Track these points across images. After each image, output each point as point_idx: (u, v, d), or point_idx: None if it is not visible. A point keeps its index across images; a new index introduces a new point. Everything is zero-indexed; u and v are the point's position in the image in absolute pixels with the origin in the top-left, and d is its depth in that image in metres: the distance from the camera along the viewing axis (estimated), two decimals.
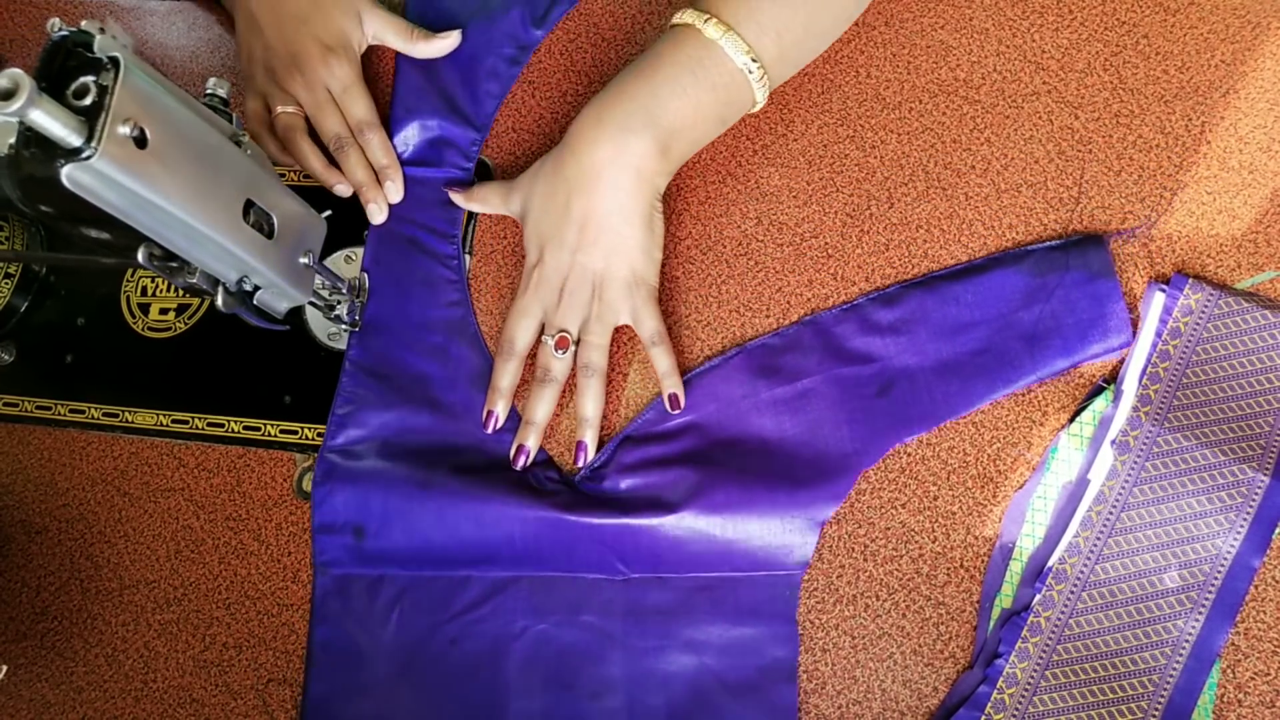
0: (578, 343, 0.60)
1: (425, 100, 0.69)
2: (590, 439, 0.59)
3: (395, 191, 0.67)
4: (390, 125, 0.69)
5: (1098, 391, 0.57)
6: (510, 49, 0.70)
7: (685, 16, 0.56)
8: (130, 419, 0.66)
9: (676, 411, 0.59)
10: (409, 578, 0.59)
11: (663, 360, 0.59)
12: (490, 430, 0.60)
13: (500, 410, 0.60)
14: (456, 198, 0.66)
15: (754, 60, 0.55)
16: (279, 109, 0.67)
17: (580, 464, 0.59)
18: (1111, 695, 0.52)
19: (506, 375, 0.60)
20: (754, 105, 0.58)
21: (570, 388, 0.61)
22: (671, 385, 0.59)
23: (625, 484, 0.58)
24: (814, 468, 0.57)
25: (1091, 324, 0.57)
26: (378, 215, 0.66)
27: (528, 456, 0.60)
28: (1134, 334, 0.57)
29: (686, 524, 0.56)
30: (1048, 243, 0.60)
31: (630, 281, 0.59)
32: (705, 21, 0.55)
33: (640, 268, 0.59)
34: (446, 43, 0.69)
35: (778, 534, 0.56)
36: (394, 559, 0.59)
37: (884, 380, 0.58)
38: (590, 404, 0.59)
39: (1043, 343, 0.57)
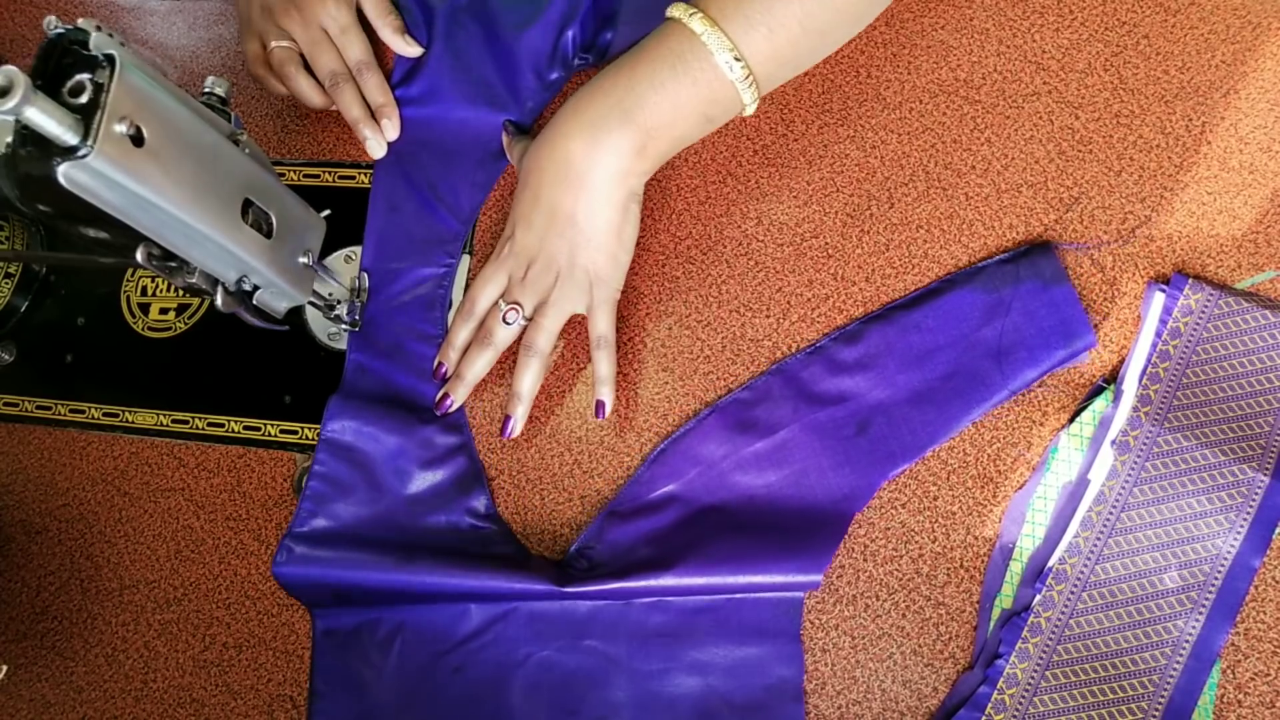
0: (529, 320, 0.59)
1: (408, 197, 0.68)
2: (519, 415, 0.59)
3: (392, 129, 0.67)
4: (368, 223, 0.67)
5: (1098, 391, 0.57)
6: (497, 141, 0.68)
7: (674, 10, 0.54)
8: (130, 419, 0.66)
9: (600, 418, 0.59)
10: (408, 611, 0.59)
11: (603, 365, 0.59)
12: (437, 379, 0.61)
13: (450, 363, 0.61)
14: (506, 139, 0.65)
15: (737, 59, 0.52)
16: (273, 44, 0.67)
17: (505, 436, 0.59)
18: (1112, 695, 0.52)
19: (462, 333, 0.61)
20: (743, 108, 0.55)
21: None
22: (604, 393, 0.59)
23: (617, 560, 0.57)
24: (807, 518, 0.57)
25: (1053, 331, 0.57)
26: (376, 149, 0.67)
27: (450, 407, 0.61)
28: (1135, 334, 0.57)
29: (686, 579, 0.55)
30: (997, 257, 0.60)
31: (590, 280, 0.58)
32: (690, 15, 0.52)
33: (603, 269, 0.58)
34: (411, 50, 0.69)
35: (779, 581, 0.55)
36: (385, 607, 0.59)
37: (860, 418, 0.58)
38: (526, 381, 0.59)
39: (1010, 356, 0.57)
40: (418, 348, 0.64)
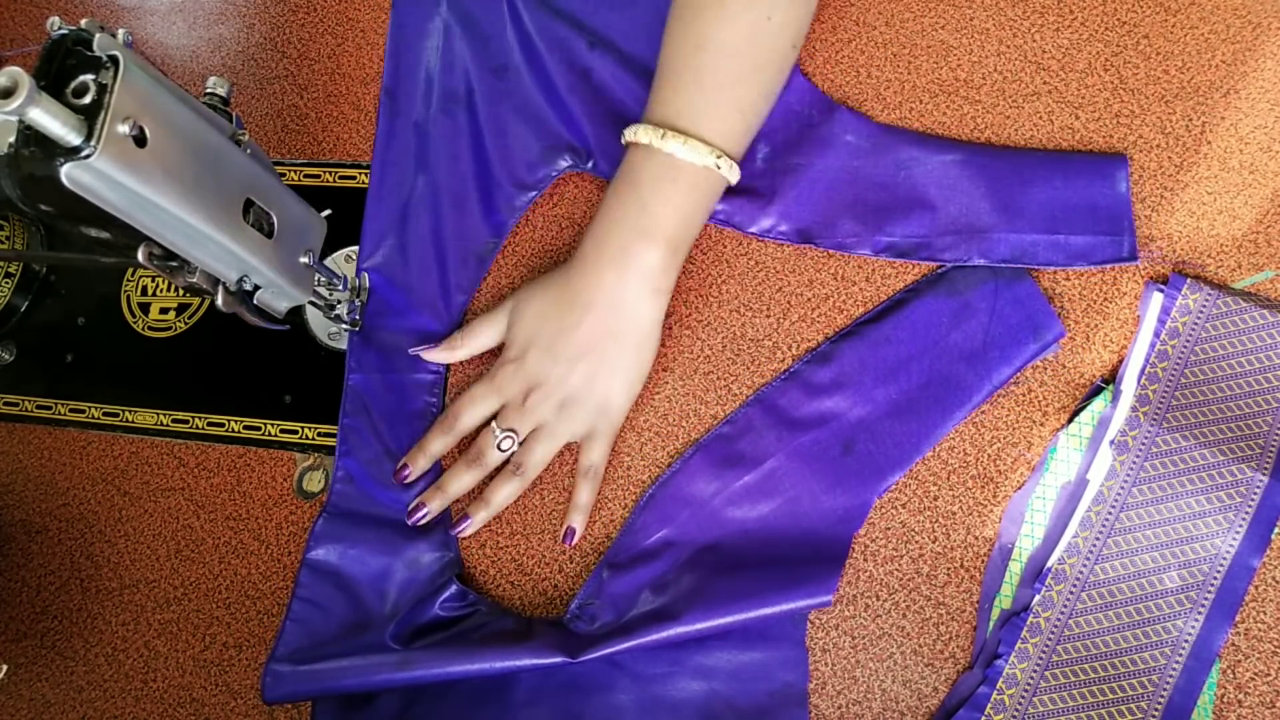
0: (522, 445, 0.59)
1: (391, 301, 0.65)
2: (479, 519, 0.59)
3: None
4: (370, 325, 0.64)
5: (1096, 392, 0.57)
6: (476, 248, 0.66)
7: (640, 135, 0.55)
8: (130, 418, 0.66)
9: (567, 544, 0.58)
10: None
11: (585, 494, 0.58)
12: (402, 480, 0.60)
13: (417, 469, 0.60)
14: (438, 354, 0.62)
15: (718, 156, 0.55)
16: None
17: (455, 533, 0.59)
18: (1111, 695, 0.52)
19: (436, 444, 0.60)
20: (729, 178, 0.57)
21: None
22: (576, 520, 0.58)
23: (620, 615, 0.56)
24: (806, 546, 0.56)
25: (1021, 327, 0.58)
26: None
27: (424, 518, 0.59)
28: (1133, 334, 0.57)
29: (696, 625, 0.54)
30: (955, 261, 0.60)
31: (600, 409, 0.58)
32: (663, 138, 0.54)
33: (616, 399, 0.58)
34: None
35: (789, 609, 0.54)
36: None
37: (844, 438, 0.58)
38: (501, 495, 0.59)
39: (983, 357, 0.58)
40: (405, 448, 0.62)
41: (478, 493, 0.60)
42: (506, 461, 0.59)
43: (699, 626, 0.54)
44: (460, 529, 0.59)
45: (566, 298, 0.57)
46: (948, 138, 0.62)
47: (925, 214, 0.60)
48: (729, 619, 0.54)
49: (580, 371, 0.57)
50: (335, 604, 0.59)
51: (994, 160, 0.61)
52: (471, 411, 0.59)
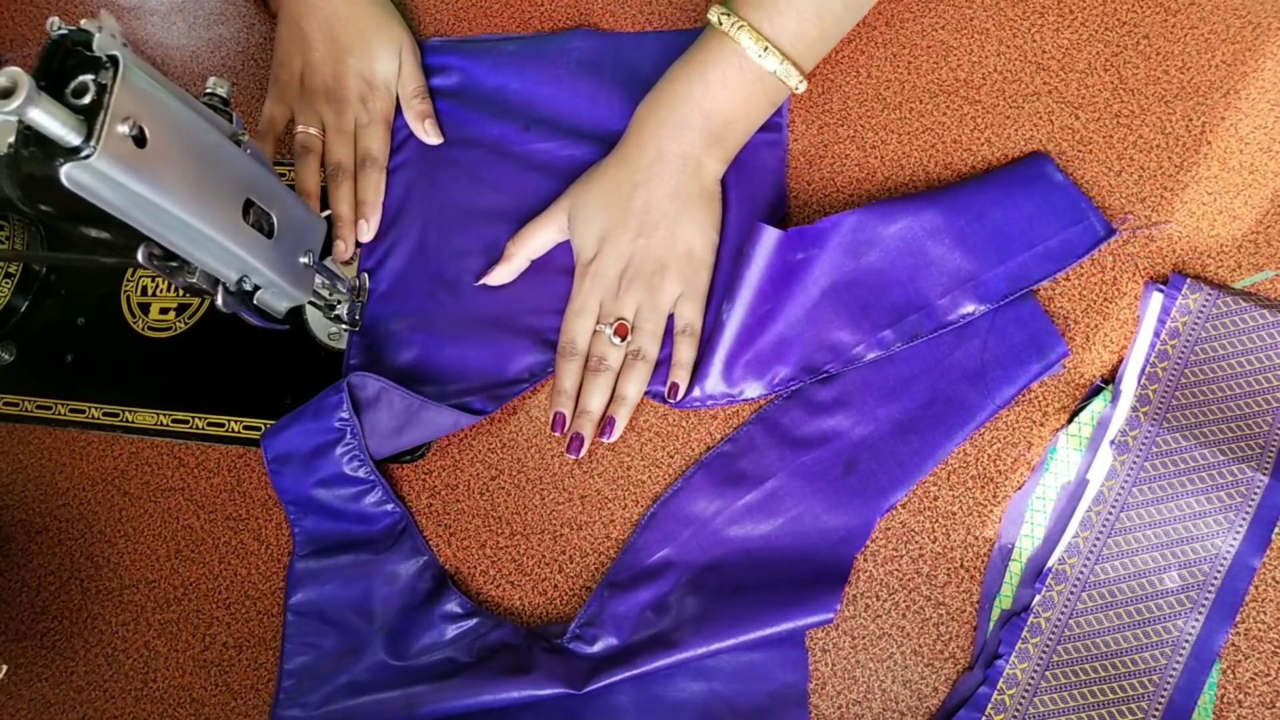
0: (632, 330, 0.60)
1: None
2: (622, 417, 0.60)
3: (367, 231, 0.66)
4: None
5: (1096, 392, 0.57)
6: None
7: (710, 12, 0.57)
8: (130, 419, 0.66)
9: (672, 400, 0.59)
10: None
11: (685, 351, 0.60)
12: (561, 432, 0.60)
13: (567, 411, 0.60)
14: (498, 274, 0.64)
15: (765, 49, 0.55)
16: (301, 127, 0.67)
17: (607, 438, 0.60)
18: (1112, 695, 0.52)
19: (569, 376, 0.61)
20: (797, 88, 0.58)
21: None
22: (680, 375, 0.60)
23: (622, 637, 0.56)
24: (807, 567, 0.56)
25: (1025, 346, 0.57)
26: (342, 252, 0.66)
27: (582, 446, 0.60)
28: (1133, 334, 0.57)
29: (698, 652, 0.54)
30: (963, 317, 0.59)
31: (688, 265, 0.60)
32: (721, 16, 0.56)
33: (700, 254, 0.60)
34: (430, 138, 0.68)
35: (791, 628, 0.54)
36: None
37: (847, 457, 0.58)
38: (633, 386, 0.60)
39: (986, 377, 0.57)
40: (341, 474, 0.60)
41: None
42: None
43: (700, 651, 0.54)
44: (609, 435, 0.60)
45: (624, 176, 0.60)
46: (877, 205, 0.59)
47: (906, 289, 0.58)
48: (730, 642, 0.54)
49: (659, 237, 0.60)
50: (325, 639, 0.59)
51: (937, 209, 0.58)
52: (579, 325, 0.61)
